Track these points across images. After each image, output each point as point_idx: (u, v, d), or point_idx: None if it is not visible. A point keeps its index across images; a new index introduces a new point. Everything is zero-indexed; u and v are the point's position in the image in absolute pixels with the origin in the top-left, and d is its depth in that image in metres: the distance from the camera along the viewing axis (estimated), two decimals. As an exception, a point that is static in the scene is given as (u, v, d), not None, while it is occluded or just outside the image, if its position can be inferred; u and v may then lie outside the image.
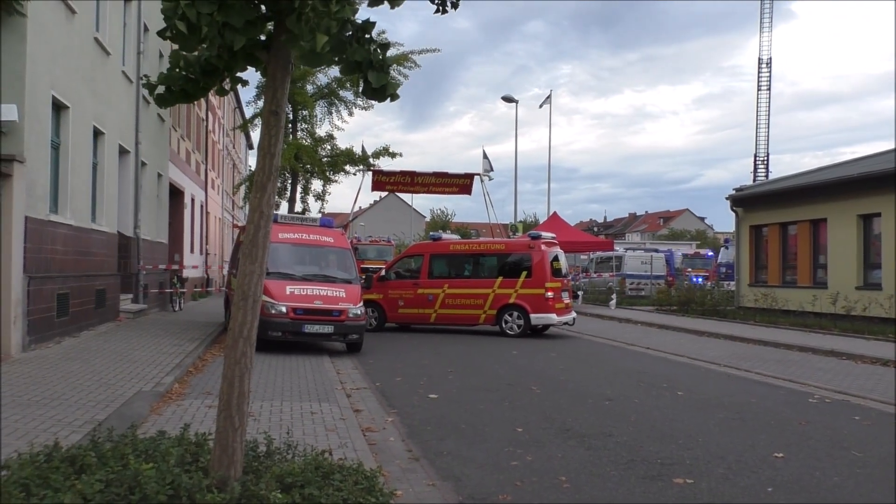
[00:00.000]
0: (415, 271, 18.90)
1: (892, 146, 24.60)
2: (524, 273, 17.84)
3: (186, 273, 24.22)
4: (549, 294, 17.63)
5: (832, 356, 14.42)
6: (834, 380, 11.40)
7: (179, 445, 4.44)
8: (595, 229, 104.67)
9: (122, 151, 16.81)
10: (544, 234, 19.32)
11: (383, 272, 19.25)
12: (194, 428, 5.28)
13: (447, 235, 21.38)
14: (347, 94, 21.35)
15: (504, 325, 17.81)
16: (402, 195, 69.98)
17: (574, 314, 19.00)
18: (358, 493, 4.04)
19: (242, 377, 4.02)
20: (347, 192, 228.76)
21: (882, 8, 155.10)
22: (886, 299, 18.92)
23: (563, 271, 18.91)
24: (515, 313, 17.78)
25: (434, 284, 18.46)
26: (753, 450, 6.80)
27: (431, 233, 22.95)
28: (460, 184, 24.55)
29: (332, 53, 3.74)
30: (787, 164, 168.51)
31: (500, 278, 18.07)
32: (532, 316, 17.60)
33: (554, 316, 17.76)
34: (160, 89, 3.99)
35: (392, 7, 3.82)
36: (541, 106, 34.84)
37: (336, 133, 22.18)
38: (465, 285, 18.38)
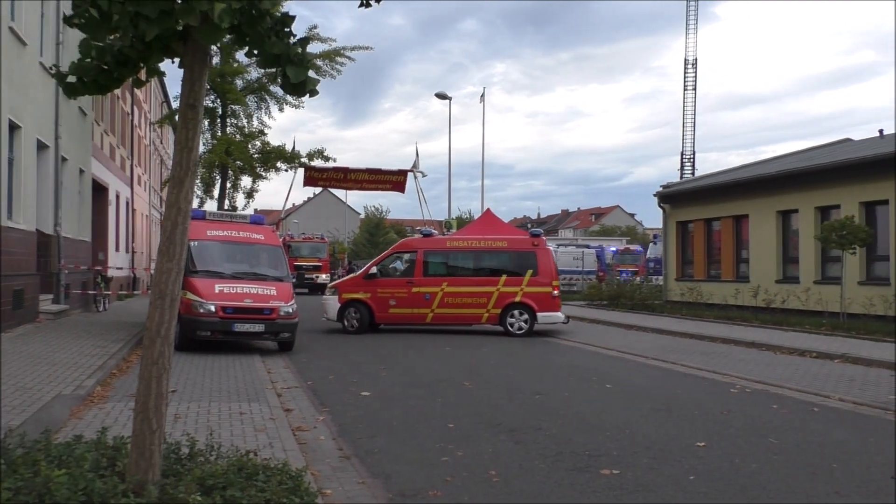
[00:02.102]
0: (407, 269, 17.99)
1: (809, 145, 25.65)
2: (529, 271, 17.53)
3: (111, 273, 23.43)
4: (556, 293, 17.57)
5: (753, 347, 14.96)
6: (754, 370, 11.82)
7: (95, 450, 4.28)
8: (529, 226, 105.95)
9: (41, 146, 16.13)
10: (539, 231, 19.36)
11: (373, 269, 18.05)
12: (115, 431, 5.12)
13: (436, 233, 20.67)
14: (278, 90, 20.96)
15: (509, 325, 17.40)
16: (336, 192, 69.56)
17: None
18: (282, 494, 3.96)
19: (160, 378, 3.90)
20: (279, 189, 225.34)
21: (802, 10, 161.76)
22: (803, 292, 19.75)
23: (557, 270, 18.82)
24: (520, 312, 17.42)
25: (431, 283, 17.56)
26: (678, 440, 7.00)
27: (421, 228, 21.97)
28: (394, 180, 24.38)
29: (251, 46, 3.65)
30: (714, 162, 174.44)
31: (503, 276, 17.61)
32: (539, 314, 17.34)
33: (560, 314, 17.64)
34: (71, 79, 3.82)
35: None
36: (481, 101, 34.70)
37: (267, 129, 21.56)
38: (466, 283, 17.66)
